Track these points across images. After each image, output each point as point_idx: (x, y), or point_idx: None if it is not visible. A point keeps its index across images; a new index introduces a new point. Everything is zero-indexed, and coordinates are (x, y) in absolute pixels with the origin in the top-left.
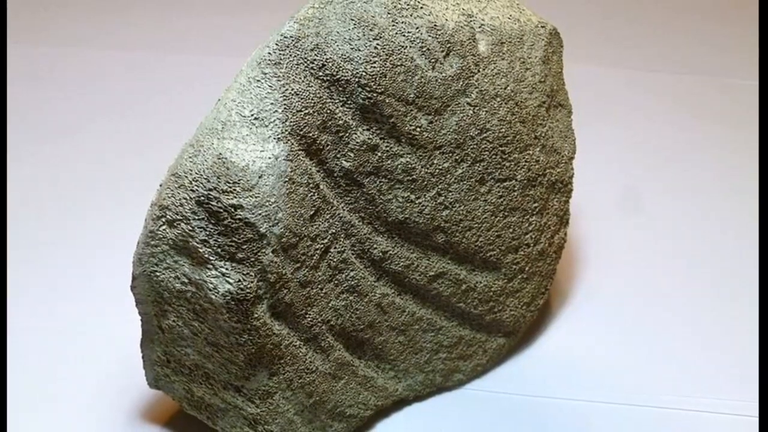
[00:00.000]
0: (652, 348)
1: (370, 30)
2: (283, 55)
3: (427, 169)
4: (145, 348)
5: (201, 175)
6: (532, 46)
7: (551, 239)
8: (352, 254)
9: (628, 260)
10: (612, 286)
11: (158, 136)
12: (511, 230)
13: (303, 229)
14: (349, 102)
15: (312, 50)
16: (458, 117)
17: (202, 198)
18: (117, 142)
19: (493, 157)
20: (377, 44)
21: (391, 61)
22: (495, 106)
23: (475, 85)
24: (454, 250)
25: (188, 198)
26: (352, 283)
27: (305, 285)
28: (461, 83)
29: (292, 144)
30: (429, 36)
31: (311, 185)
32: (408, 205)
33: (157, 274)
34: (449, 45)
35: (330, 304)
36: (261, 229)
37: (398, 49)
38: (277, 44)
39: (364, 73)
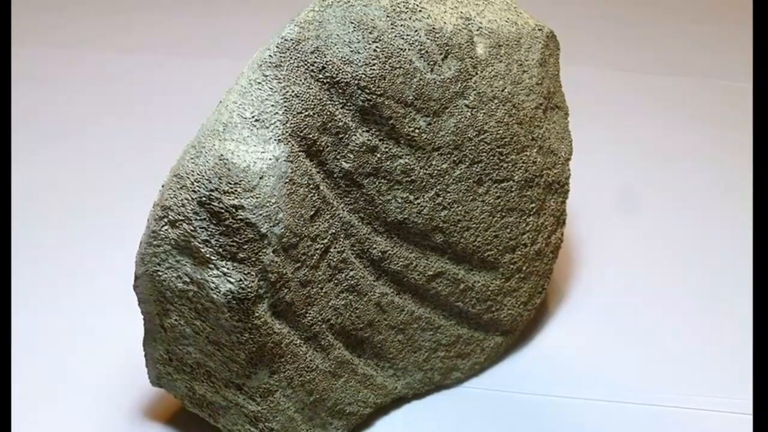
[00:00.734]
0: (648, 346)
1: (370, 33)
2: (284, 57)
3: (426, 170)
4: (148, 346)
5: (203, 176)
6: (530, 49)
7: (548, 239)
8: (352, 254)
9: (624, 260)
10: (608, 285)
11: (160, 138)
12: (508, 230)
13: (303, 229)
14: (348, 104)
15: (312, 53)
16: (456, 119)
17: (204, 198)
18: (120, 143)
19: (491, 158)
20: (376, 47)
21: (390, 63)
22: (493, 108)
23: (473, 88)
24: (452, 250)
25: (190, 199)
26: (352, 282)
27: (305, 284)
28: (459, 85)
29: (293, 145)
30: (427, 39)
31: (311, 186)
32: (407, 205)
33: (160, 273)
34: (447, 48)
35: (330, 303)
36: (262, 230)
37: (397, 52)
38: (277, 47)
39: (363, 76)
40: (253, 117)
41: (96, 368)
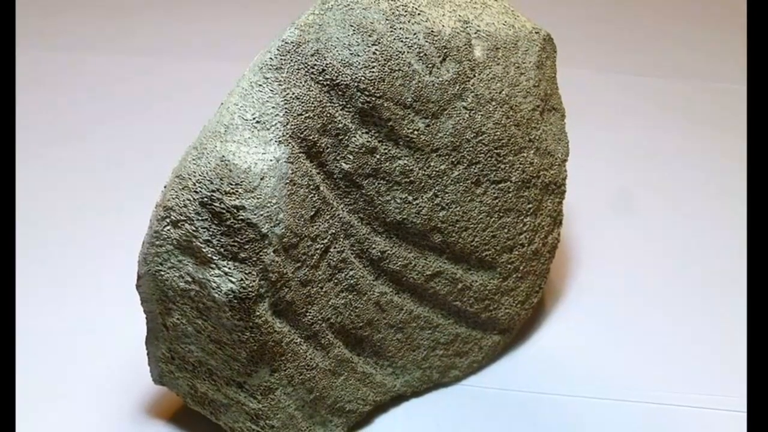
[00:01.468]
0: (643, 345)
1: (369, 36)
2: (285, 60)
3: (425, 171)
4: (150, 345)
5: (204, 177)
6: (527, 52)
7: (545, 239)
8: (352, 254)
9: (619, 260)
10: (604, 284)
11: (163, 139)
12: (506, 230)
13: (303, 229)
14: (348, 106)
15: (312, 55)
16: (454, 120)
17: (206, 199)
18: (122, 144)
19: (489, 159)
20: (376, 50)
21: (389, 66)
22: (490, 109)
23: (471, 90)
24: (450, 250)
25: (192, 199)
26: (352, 282)
27: (306, 284)
28: (457, 87)
29: (293, 147)
30: (426, 42)
31: (312, 187)
32: (406, 206)
33: (162, 273)
34: (446, 50)
35: (330, 303)
36: (263, 230)
37: (396, 55)
38: (278, 50)
39: (363, 78)
40: (254, 119)
41: (99, 366)
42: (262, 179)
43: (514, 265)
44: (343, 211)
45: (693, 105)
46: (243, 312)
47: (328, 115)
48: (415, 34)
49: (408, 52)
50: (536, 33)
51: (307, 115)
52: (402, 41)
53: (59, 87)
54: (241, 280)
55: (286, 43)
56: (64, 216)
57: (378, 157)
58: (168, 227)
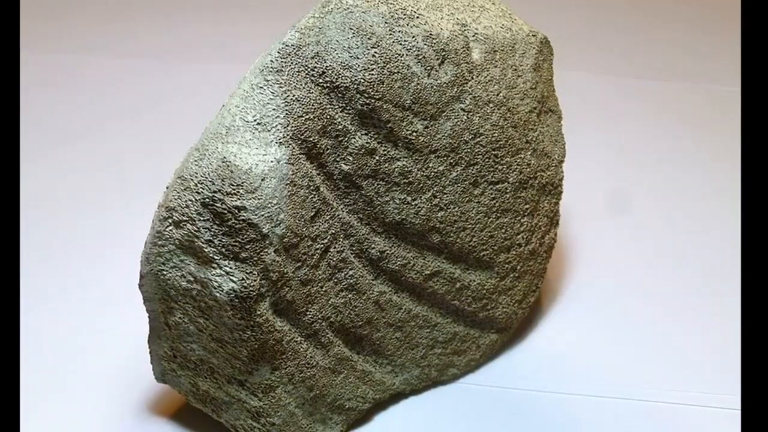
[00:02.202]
0: (639, 343)
1: (369, 39)
2: (285, 62)
3: (423, 172)
4: (153, 344)
5: (206, 177)
6: (524, 54)
7: (542, 239)
8: (351, 254)
9: (615, 259)
10: (600, 284)
11: (165, 141)
12: (503, 231)
13: (304, 229)
14: (348, 108)
15: (312, 58)
16: (453, 122)
17: (207, 200)
18: (125, 146)
19: (486, 160)
20: (375, 52)
21: (388, 68)
22: (488, 111)
23: (469, 92)
24: (448, 250)
25: (194, 200)
26: (351, 281)
27: (306, 283)
28: (455, 90)
29: (294, 148)
30: (425, 44)
31: (312, 187)
32: (404, 206)
33: (164, 272)
34: (444, 53)
35: (330, 302)
36: (263, 230)
37: (395, 57)
38: (279, 52)
39: (362, 80)
40: (255, 120)
41: (102, 364)
42: (263, 180)
43: (511, 265)
44: (343, 211)
45: (688, 107)
46: (244, 311)
47: (328, 116)
48: (413, 37)
49: (407, 54)
50: (533, 36)
51: (307, 116)
52: (401, 44)
53: (63, 89)
54: (243, 279)
55: (286, 45)
56: (68, 216)
57: (377, 158)
58: (170, 227)
